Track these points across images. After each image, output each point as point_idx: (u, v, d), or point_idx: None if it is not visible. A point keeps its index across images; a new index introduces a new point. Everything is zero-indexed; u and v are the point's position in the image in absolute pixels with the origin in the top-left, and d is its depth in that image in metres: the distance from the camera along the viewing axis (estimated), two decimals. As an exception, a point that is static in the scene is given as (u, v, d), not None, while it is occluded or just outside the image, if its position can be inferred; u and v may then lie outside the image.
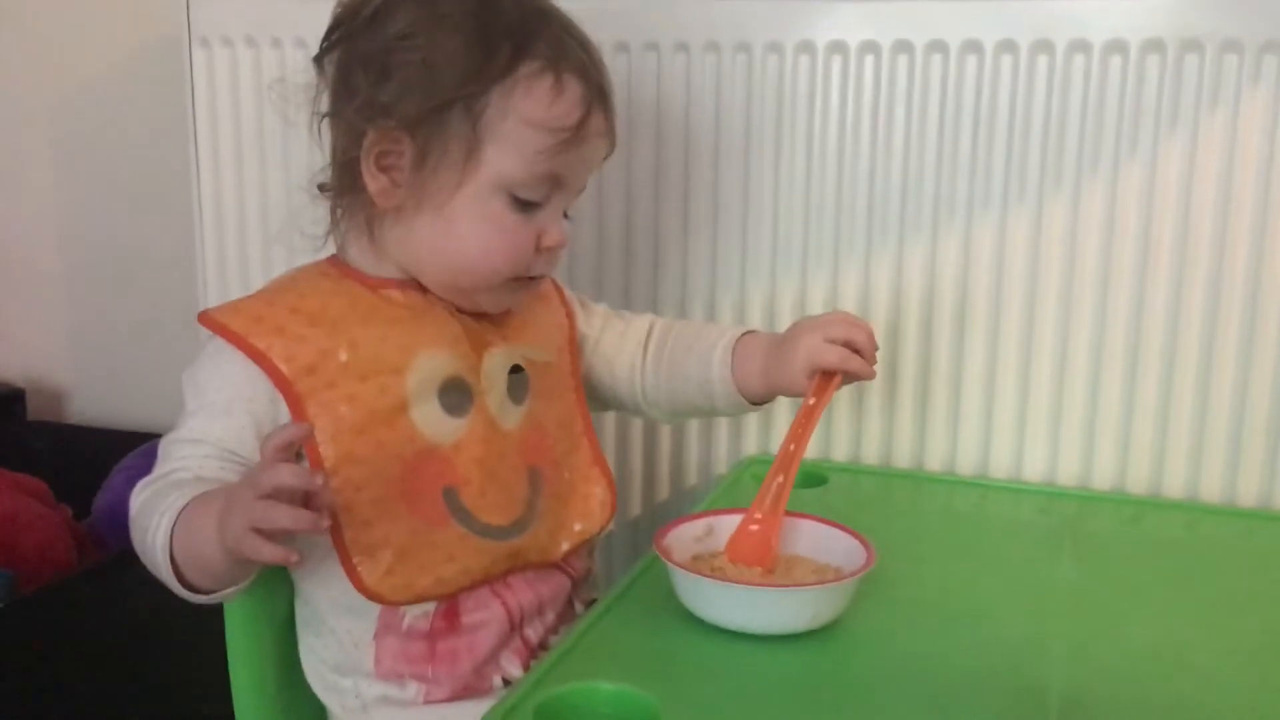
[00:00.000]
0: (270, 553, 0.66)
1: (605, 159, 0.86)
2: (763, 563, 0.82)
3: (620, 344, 0.97)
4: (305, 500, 0.67)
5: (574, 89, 0.80)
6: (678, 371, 0.96)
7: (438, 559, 0.80)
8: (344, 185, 0.83)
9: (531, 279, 0.85)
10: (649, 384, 0.97)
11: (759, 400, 0.95)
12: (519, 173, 0.79)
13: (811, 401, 0.88)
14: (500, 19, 0.79)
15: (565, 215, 0.84)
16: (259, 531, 0.66)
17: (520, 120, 0.78)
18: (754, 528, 0.84)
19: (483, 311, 0.86)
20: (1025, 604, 0.83)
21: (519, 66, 0.78)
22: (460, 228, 0.80)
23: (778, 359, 0.91)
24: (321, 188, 0.85)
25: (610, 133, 0.84)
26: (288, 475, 0.66)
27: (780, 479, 0.86)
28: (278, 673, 0.87)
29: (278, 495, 0.66)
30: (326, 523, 0.68)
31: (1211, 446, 1.05)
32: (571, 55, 0.81)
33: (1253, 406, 1.03)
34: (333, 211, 0.85)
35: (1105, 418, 1.07)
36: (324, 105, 0.83)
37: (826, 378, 0.89)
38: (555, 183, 0.81)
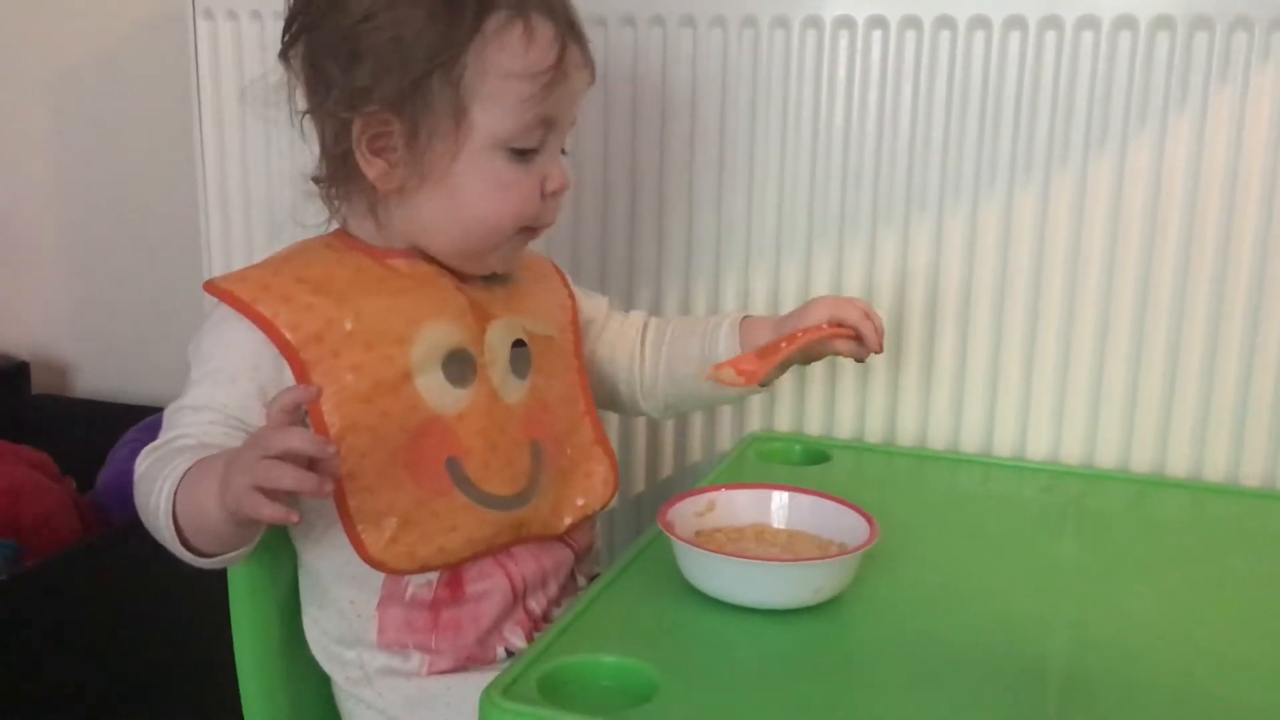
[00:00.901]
0: (270, 511, 0.66)
1: (589, 87, 0.86)
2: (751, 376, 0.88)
3: (621, 329, 0.99)
4: (310, 465, 0.68)
5: (544, 30, 0.80)
6: (679, 353, 0.96)
7: (441, 528, 0.80)
8: (341, 176, 0.82)
9: (539, 228, 0.85)
10: (648, 371, 0.98)
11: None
12: (510, 126, 0.79)
13: (825, 328, 0.91)
14: None
15: (563, 151, 0.85)
16: (261, 490, 0.66)
17: (499, 75, 0.78)
18: (747, 366, 0.88)
19: (490, 274, 0.86)
20: (1028, 582, 0.83)
21: (486, 21, 0.78)
22: (466, 194, 0.80)
23: (792, 317, 0.93)
24: (316, 180, 0.85)
25: (589, 62, 0.84)
26: (298, 440, 0.66)
27: (783, 344, 0.90)
28: (281, 645, 0.88)
29: (285, 458, 0.66)
30: (330, 487, 0.68)
31: (1216, 426, 1.04)
32: None
33: (1257, 387, 1.03)
34: (330, 202, 0.85)
35: (1109, 397, 1.06)
36: (300, 101, 0.83)
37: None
38: (548, 125, 0.81)
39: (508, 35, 0.79)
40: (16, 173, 1.59)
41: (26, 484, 1.26)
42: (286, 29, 0.83)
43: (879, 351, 0.93)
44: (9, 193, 1.60)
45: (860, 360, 0.94)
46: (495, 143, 0.80)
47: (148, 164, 1.51)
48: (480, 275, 0.86)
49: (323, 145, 0.83)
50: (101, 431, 1.41)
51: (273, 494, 0.67)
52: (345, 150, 0.80)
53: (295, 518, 0.68)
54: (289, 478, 0.66)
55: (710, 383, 0.95)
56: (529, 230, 0.85)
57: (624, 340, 0.98)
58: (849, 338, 0.92)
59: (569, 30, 0.82)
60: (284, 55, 0.83)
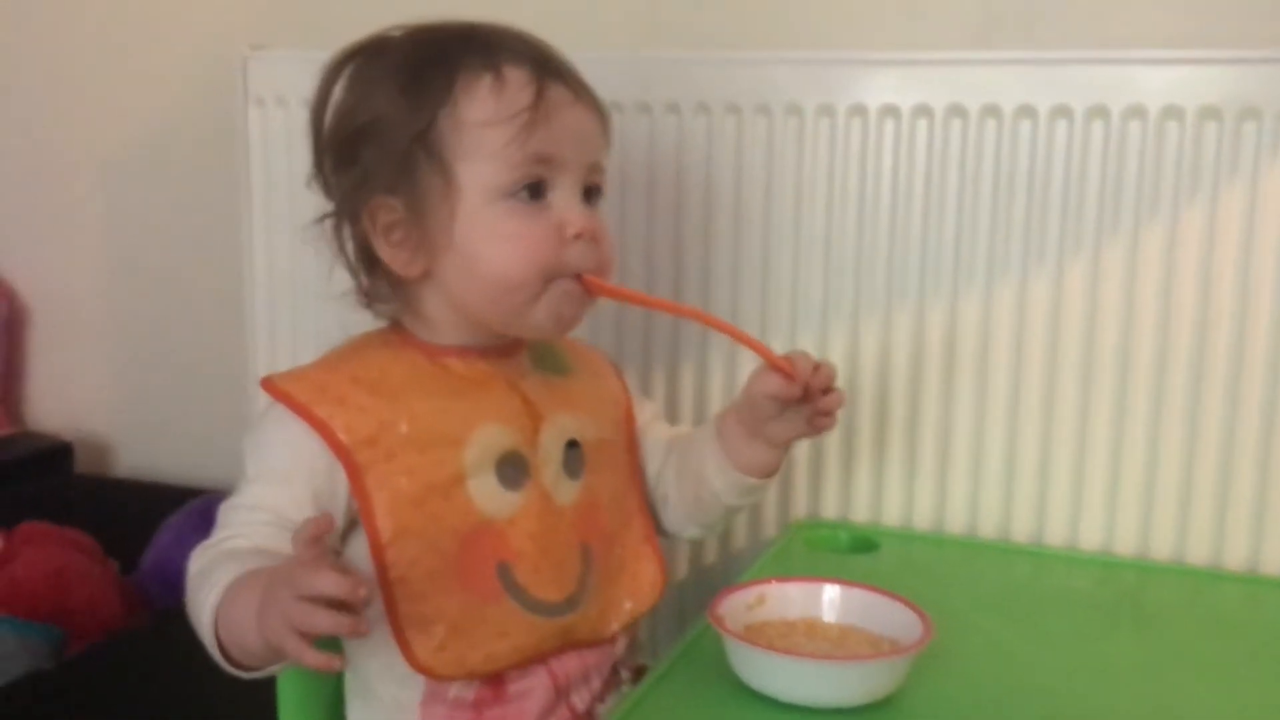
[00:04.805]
0: (313, 659, 0.65)
1: (606, 130, 0.84)
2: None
3: (658, 437, 0.95)
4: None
5: (516, 74, 0.79)
6: (685, 458, 0.92)
7: (490, 635, 0.79)
8: (376, 286, 0.83)
9: (577, 279, 0.81)
10: (667, 479, 0.93)
11: (743, 460, 0.89)
12: (497, 174, 0.79)
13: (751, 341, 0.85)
14: (428, 55, 0.80)
15: (599, 188, 0.83)
16: (300, 632, 0.64)
17: (473, 126, 0.78)
18: None
19: (546, 338, 0.86)
20: (1086, 680, 0.81)
21: (455, 83, 0.79)
22: (474, 252, 0.79)
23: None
24: (360, 294, 0.85)
25: (584, 97, 0.82)
26: (326, 584, 0.63)
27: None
28: (325, 738, 0.87)
29: (318, 600, 0.64)
30: (365, 628, 0.65)
31: (1273, 518, 1.02)
32: (507, 47, 0.80)
33: (1315, 476, 1.01)
34: (372, 310, 0.86)
35: (1164, 485, 1.04)
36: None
37: None
38: (545, 163, 0.79)
39: (476, 88, 0.79)
40: (63, 254, 1.61)
41: (72, 568, 1.26)
42: (312, 149, 0.84)
43: (805, 386, 0.84)
44: (56, 274, 1.62)
45: (793, 400, 0.85)
46: (487, 194, 0.79)
47: (195, 247, 1.52)
48: (538, 338, 0.85)
49: (352, 257, 0.84)
50: (144, 513, 1.41)
51: (312, 635, 0.65)
52: (370, 255, 0.81)
53: (339, 664, 0.66)
54: (326, 622, 0.63)
55: (704, 469, 0.90)
56: (565, 282, 0.80)
57: (659, 445, 0.94)
58: (781, 372, 0.84)
59: (548, 70, 0.80)
60: (314, 182, 0.85)
